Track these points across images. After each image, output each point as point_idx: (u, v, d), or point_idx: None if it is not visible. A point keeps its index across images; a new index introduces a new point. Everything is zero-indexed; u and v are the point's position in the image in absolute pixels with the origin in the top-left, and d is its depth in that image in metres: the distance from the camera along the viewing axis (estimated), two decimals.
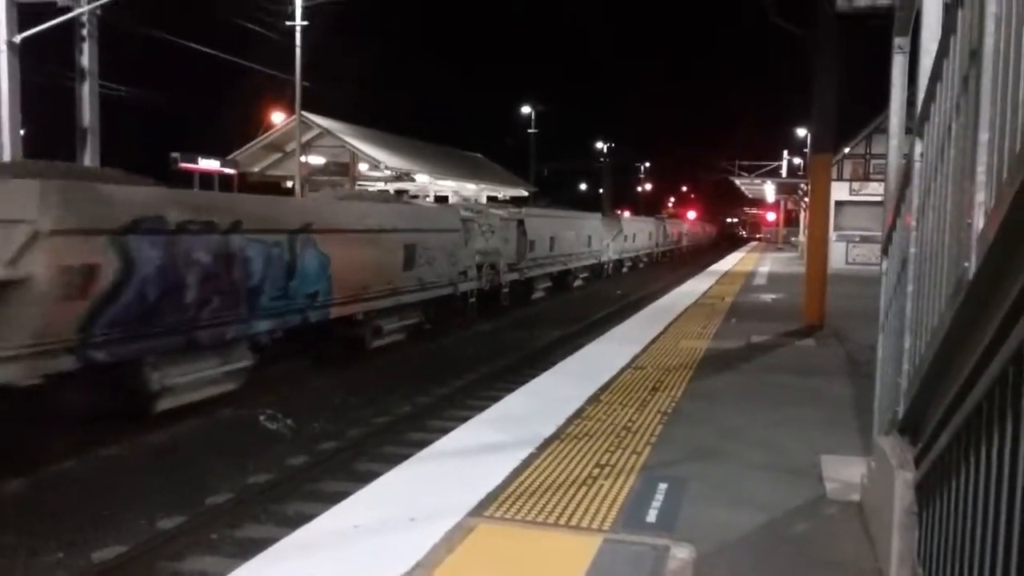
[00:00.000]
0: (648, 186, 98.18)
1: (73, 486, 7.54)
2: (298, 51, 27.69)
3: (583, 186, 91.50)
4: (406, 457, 5.63)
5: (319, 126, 31.90)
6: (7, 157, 13.30)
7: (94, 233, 7.96)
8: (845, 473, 5.13)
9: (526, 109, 63.18)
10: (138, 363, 8.70)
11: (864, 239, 26.80)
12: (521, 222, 22.13)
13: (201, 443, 8.95)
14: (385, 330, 14.03)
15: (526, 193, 47.29)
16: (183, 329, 9.19)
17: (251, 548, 5.44)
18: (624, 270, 38.47)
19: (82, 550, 6.28)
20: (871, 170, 27.34)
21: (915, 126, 3.52)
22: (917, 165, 3.53)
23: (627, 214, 54.20)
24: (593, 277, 31.75)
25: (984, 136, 2.29)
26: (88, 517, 6.88)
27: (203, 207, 9.76)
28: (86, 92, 13.29)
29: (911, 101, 3.98)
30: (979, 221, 2.31)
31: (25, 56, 13.95)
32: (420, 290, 15.08)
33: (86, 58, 13.25)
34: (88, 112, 13.30)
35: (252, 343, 10.56)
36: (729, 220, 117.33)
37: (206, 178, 27.05)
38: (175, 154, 26.28)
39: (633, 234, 41.38)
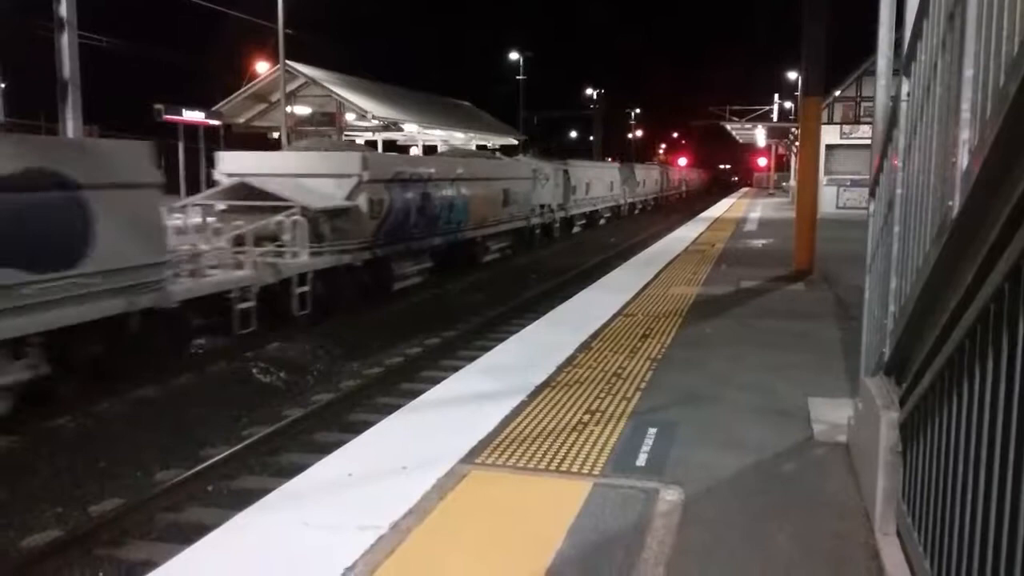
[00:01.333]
0: (639, 133, 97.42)
1: (68, 441, 7.57)
2: None
3: (573, 134, 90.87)
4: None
5: (304, 75, 31.44)
6: None
7: (382, 181, 14.41)
8: (832, 415, 5.18)
9: (514, 56, 62.31)
10: (388, 259, 14.85)
11: (855, 183, 26.72)
12: (567, 172, 28.37)
13: (196, 396, 8.99)
14: (491, 249, 20.71)
15: (516, 142, 46.84)
16: (408, 240, 15.59)
17: (247, 498, 5.49)
18: (636, 212, 44.15)
19: (80, 504, 6.34)
20: (862, 113, 27.16)
21: (902, 65, 3.48)
22: (904, 105, 3.50)
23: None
24: (613, 216, 37.91)
25: (969, 72, 2.27)
26: (85, 471, 6.93)
27: (415, 162, 17.82)
28: (65, 43, 12.99)
29: (900, 42, 3.93)
30: (963, 159, 2.29)
31: (6, 7, 13.66)
32: (511, 222, 21.95)
33: (64, 8, 12.94)
34: (67, 64, 13.03)
35: (432, 252, 16.91)
36: (722, 167, 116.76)
37: (190, 129, 26.74)
38: (159, 106, 25.95)
39: (643, 180, 47.19)
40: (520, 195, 22.50)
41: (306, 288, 11.92)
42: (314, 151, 15.34)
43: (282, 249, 12.00)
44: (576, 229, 30.82)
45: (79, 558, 5.54)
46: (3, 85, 14.37)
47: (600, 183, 34.90)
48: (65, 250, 8.00)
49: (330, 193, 13.50)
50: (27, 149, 7.92)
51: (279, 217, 12.10)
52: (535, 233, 24.91)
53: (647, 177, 48.94)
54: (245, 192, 12.79)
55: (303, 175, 13.64)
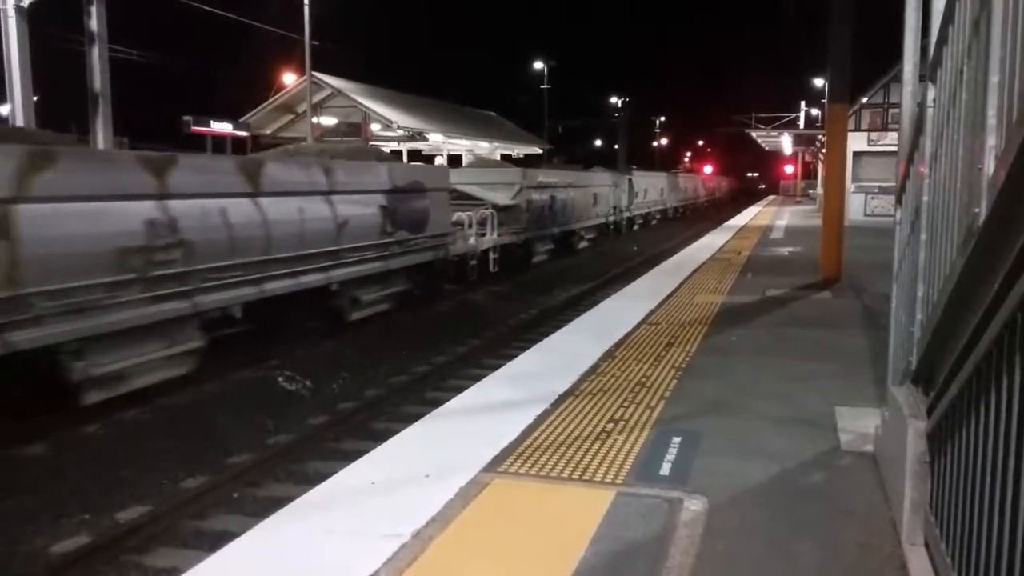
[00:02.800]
0: (664, 141, 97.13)
1: (95, 448, 7.66)
2: (307, 10, 27.44)
3: (598, 142, 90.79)
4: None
5: (330, 86, 31.71)
6: (19, 122, 13.30)
7: (533, 188, 21.19)
8: (859, 424, 5.13)
9: (539, 65, 62.44)
10: (529, 242, 21.28)
11: (883, 190, 26.47)
12: (631, 180, 35.62)
13: (222, 403, 9.06)
14: (585, 239, 27.59)
15: (540, 151, 46.91)
16: (542, 228, 22.31)
17: (271, 506, 5.52)
18: (677, 215, 49.74)
19: (107, 511, 6.41)
20: (889, 120, 26.92)
21: (927, 71, 3.45)
22: (930, 111, 3.47)
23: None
24: (662, 217, 44.46)
25: (995, 78, 2.25)
26: (111, 479, 7.00)
27: (547, 174, 23.52)
28: (95, 56, 13.23)
29: (926, 49, 3.90)
30: (989, 166, 2.27)
31: (35, 21, 13.91)
32: (597, 219, 29.22)
33: (94, 22, 13.17)
34: (98, 77, 13.26)
35: (552, 239, 23.54)
36: (750, 175, 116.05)
37: (218, 141, 27.03)
38: (187, 117, 26.24)
39: (685, 187, 54.33)
40: (603, 198, 29.97)
41: (496, 256, 18.68)
42: (489, 168, 23.58)
43: (482, 231, 18.51)
44: (635, 227, 37.25)
45: (106, 564, 5.59)
46: (36, 98, 14.59)
47: (653, 189, 42.10)
48: (420, 223, 14.77)
49: (503, 196, 20.67)
50: (410, 170, 15.46)
51: (482, 211, 18.76)
52: (611, 229, 31.67)
53: (687, 185, 56.81)
54: (457, 195, 18.98)
55: (486, 183, 21.00)
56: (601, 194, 29.64)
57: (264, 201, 10.49)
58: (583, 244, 27.29)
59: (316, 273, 11.48)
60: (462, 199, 19.18)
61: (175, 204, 8.94)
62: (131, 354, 8.40)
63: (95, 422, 8.17)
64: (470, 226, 17.91)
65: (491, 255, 18.44)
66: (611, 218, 31.38)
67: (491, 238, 18.52)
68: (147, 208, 8.59)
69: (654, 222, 41.48)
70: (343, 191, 12.30)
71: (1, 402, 7.47)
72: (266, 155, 14.37)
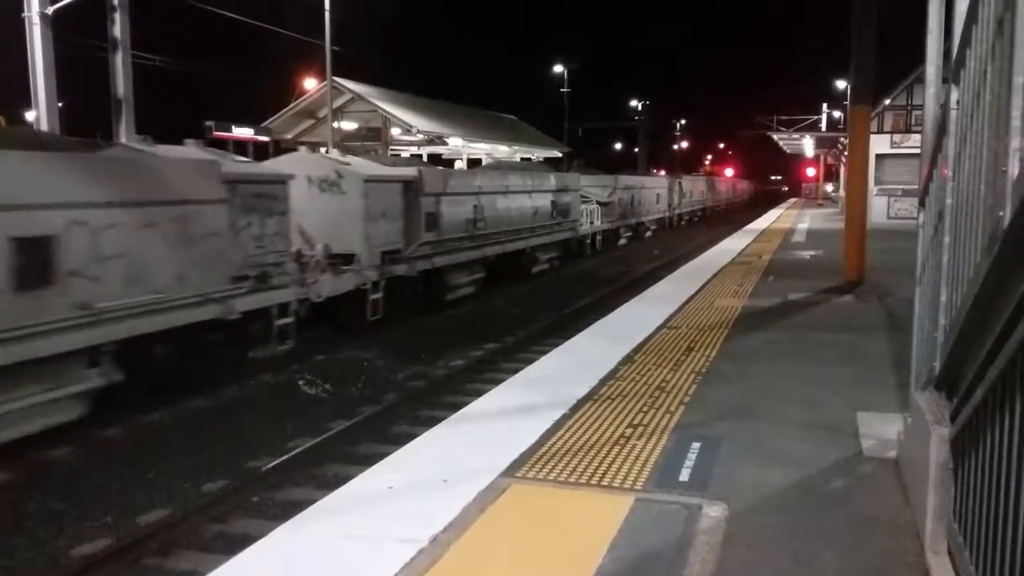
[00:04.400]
0: (684, 144, 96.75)
1: (119, 452, 7.72)
2: (327, 15, 27.57)
3: (618, 145, 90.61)
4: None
5: (350, 91, 31.82)
6: (44, 127, 13.47)
7: (621, 189, 31.01)
8: (882, 430, 5.07)
9: (559, 68, 62.40)
10: (617, 229, 31.08)
11: (906, 193, 26.19)
12: (680, 183, 44.22)
13: (243, 407, 9.11)
14: (649, 229, 35.68)
15: (560, 154, 46.84)
16: (625, 219, 31.64)
17: (290, 510, 5.54)
18: (711, 214, 56.15)
19: (129, 513, 6.45)
20: (913, 122, 26.65)
21: (951, 73, 3.40)
22: (953, 113, 3.42)
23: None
24: (703, 215, 51.91)
25: (1019, 79, 2.21)
26: (134, 481, 7.05)
27: (631, 179, 34.26)
28: (119, 63, 13.39)
29: (949, 51, 3.85)
30: (1014, 168, 2.23)
31: (60, 28, 14.08)
32: (659, 214, 37.80)
33: (118, 29, 13.33)
34: (122, 82, 13.42)
35: (630, 228, 32.56)
36: (772, 178, 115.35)
37: (240, 146, 27.20)
38: (209, 122, 26.43)
39: (721, 189, 64.50)
40: (662, 197, 38.41)
41: (600, 238, 27.82)
42: (595, 175, 30.55)
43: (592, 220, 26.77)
44: (683, 223, 44.29)
45: (128, 567, 5.63)
46: (60, 104, 14.76)
47: (696, 191, 50.19)
48: (567, 212, 22.82)
49: (602, 194, 28.44)
50: (563, 177, 23.79)
51: (592, 205, 26.90)
52: (667, 221, 39.93)
53: (720, 187, 64.96)
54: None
55: (594, 186, 28.50)
56: (661, 194, 38.50)
57: (508, 196, 18.76)
58: (648, 233, 35.60)
59: (523, 241, 19.66)
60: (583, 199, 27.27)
61: (481, 198, 17.13)
62: (459, 275, 16.16)
63: (118, 424, 8.25)
64: (586, 216, 26.19)
65: (597, 237, 27.64)
66: (667, 213, 39.78)
67: (597, 225, 27.63)
68: (472, 200, 16.68)
69: (695, 219, 48.92)
70: (535, 190, 20.60)
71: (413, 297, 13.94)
72: (500, 164, 26.03)
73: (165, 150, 9.73)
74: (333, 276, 11.57)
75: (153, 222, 8.33)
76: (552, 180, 21.95)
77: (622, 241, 31.16)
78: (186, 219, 8.75)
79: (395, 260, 13.37)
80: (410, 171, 14.46)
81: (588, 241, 26.04)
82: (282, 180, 10.72)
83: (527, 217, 19.69)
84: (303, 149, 16.33)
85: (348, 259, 12.31)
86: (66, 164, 7.72)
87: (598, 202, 27.44)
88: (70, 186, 7.55)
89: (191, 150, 10.41)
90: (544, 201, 20.94)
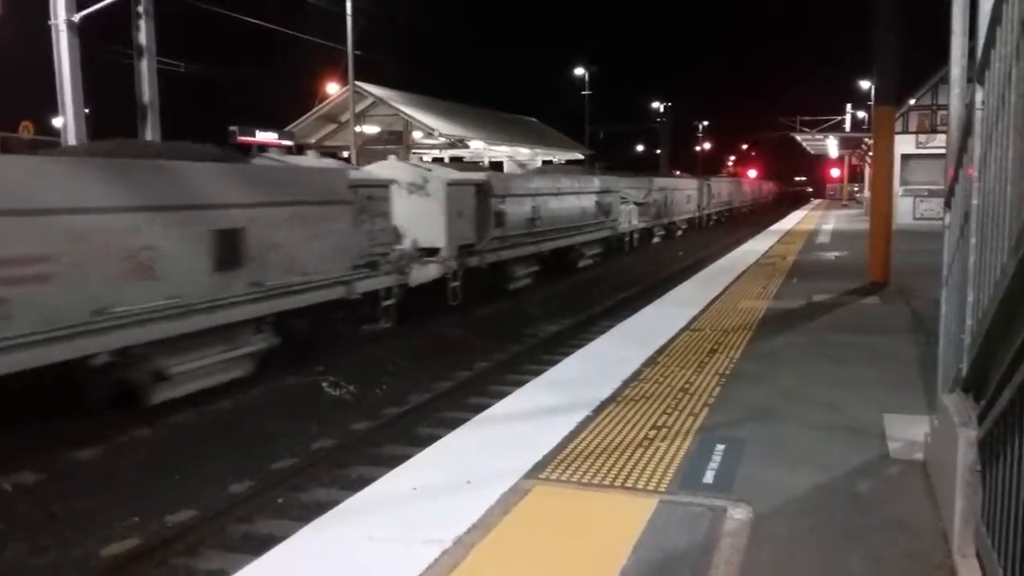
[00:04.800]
0: (707, 145, 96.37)
1: (144, 452, 7.80)
2: (349, 20, 27.75)
3: (640, 147, 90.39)
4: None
5: (372, 95, 32.00)
6: (71, 134, 13.65)
7: (656, 190, 31.59)
8: (908, 432, 5.03)
9: (580, 71, 62.37)
10: (652, 228, 31.79)
11: (932, 193, 25.95)
12: (709, 184, 45.15)
13: (269, 409, 9.18)
14: (680, 229, 36.64)
15: (581, 156, 46.83)
16: (659, 219, 32.56)
17: (315, 511, 5.57)
18: (736, 214, 56.63)
19: (156, 514, 6.52)
20: (938, 122, 26.39)
21: (975, 74, 3.38)
22: (978, 114, 3.40)
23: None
24: (729, 215, 52.18)
25: None
26: (161, 482, 7.12)
27: (667, 181, 37.01)
28: (144, 69, 13.56)
29: (973, 51, 3.82)
30: None
31: (86, 35, 14.26)
32: (689, 214, 38.86)
33: (143, 35, 13.50)
34: (147, 88, 13.58)
35: (663, 227, 33.81)
36: (797, 179, 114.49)
37: (262, 150, 27.38)
38: (233, 127, 26.63)
39: (747, 190, 65.21)
40: (692, 198, 39.70)
41: (637, 236, 29.29)
42: (632, 177, 31.28)
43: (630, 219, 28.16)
44: (711, 222, 45.28)
45: (155, 567, 5.69)
46: (87, 110, 14.95)
47: (724, 191, 51.43)
48: (608, 212, 24.16)
49: (639, 195, 29.55)
50: (606, 179, 25.08)
51: (630, 206, 28.35)
52: (696, 221, 41.07)
53: (745, 188, 66.36)
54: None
55: (631, 188, 29.18)
56: (692, 195, 39.58)
57: (560, 197, 19.96)
58: (679, 232, 36.65)
59: (571, 238, 20.78)
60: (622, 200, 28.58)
61: (537, 199, 18.34)
62: (520, 268, 17.68)
63: (145, 425, 8.34)
64: (625, 216, 27.52)
65: (634, 235, 29.14)
66: (696, 213, 40.81)
67: (635, 223, 29.06)
68: (531, 200, 17.90)
69: (722, 219, 49.03)
70: (582, 192, 21.80)
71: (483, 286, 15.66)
72: (555, 168, 31.48)
73: (295, 160, 11.60)
74: (421, 266, 13.37)
75: (301, 218, 10.12)
76: (596, 182, 23.66)
77: (656, 240, 32.53)
78: (323, 217, 10.60)
79: (470, 253, 15.09)
80: (481, 175, 16.36)
81: (626, 239, 27.71)
82: (386, 184, 12.49)
83: (575, 216, 21.09)
84: (392, 158, 18.25)
85: (432, 252, 14.01)
86: (239, 172, 9.63)
87: (635, 203, 28.81)
88: (245, 189, 9.35)
89: (320, 159, 12.58)
90: (589, 202, 22.42)
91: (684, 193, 37.78)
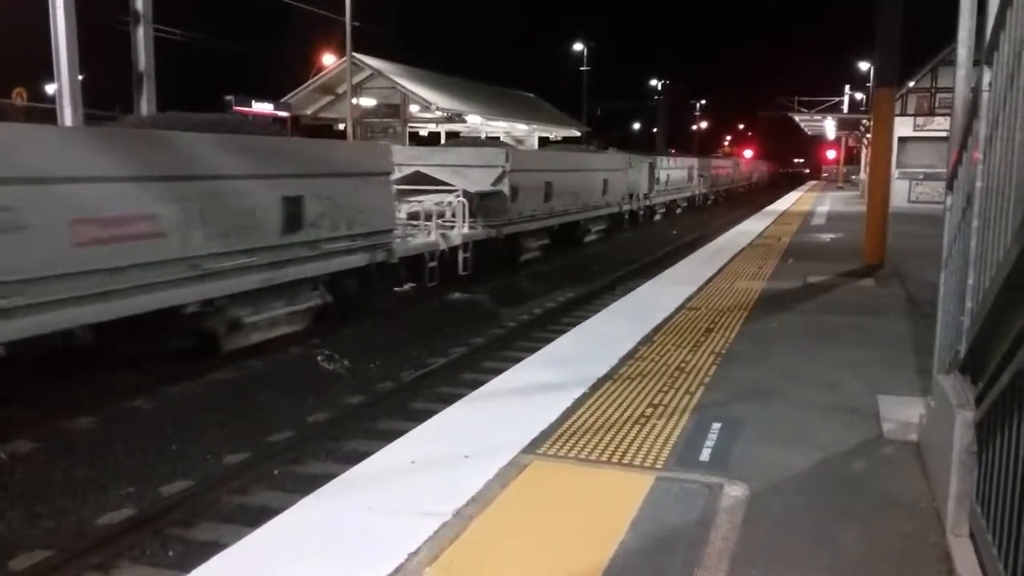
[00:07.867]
0: (704, 124, 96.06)
1: (142, 423, 7.81)
2: None
3: (637, 125, 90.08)
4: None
5: (370, 67, 31.78)
6: (67, 101, 13.46)
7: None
8: (903, 413, 5.07)
9: (578, 47, 62.01)
10: (655, 206, 33.15)
11: (928, 176, 25.99)
12: (709, 164, 46.60)
13: (265, 381, 9.18)
14: (680, 207, 37.73)
15: (579, 133, 46.69)
16: (663, 197, 35.02)
17: (312, 484, 5.60)
18: (736, 191, 59.15)
19: (151, 484, 6.53)
20: (937, 104, 26.37)
21: (984, 55, 3.37)
22: (985, 96, 3.39)
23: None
24: (727, 194, 53.48)
25: None
26: (156, 453, 7.14)
27: (670, 160, 37.37)
28: (140, 36, 13.39)
29: (980, 32, 3.81)
30: None
31: (81, 1, 14.06)
32: (688, 193, 38.64)
33: (139, 2, 13.32)
34: (143, 56, 13.41)
35: (664, 205, 35.07)
36: (795, 160, 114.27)
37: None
38: (229, 97, 26.50)
39: (741, 170, 65.91)
40: (692, 178, 40.37)
41: (641, 213, 29.90)
42: (636, 156, 30.42)
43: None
44: (709, 202, 46.14)
45: (151, 536, 5.71)
46: (81, 77, 14.76)
47: (721, 172, 52.84)
48: (620, 189, 25.90)
49: (686, 184, 36.67)
50: (610, 159, 25.94)
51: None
52: (696, 200, 42.20)
53: (744, 168, 68.73)
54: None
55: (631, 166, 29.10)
56: (691, 174, 40.12)
57: (569, 173, 20.85)
58: (678, 210, 37.95)
59: (579, 213, 21.58)
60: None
61: (550, 174, 19.27)
62: (532, 241, 18.67)
63: (142, 395, 8.35)
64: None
65: (637, 213, 29.30)
66: (696, 192, 41.52)
67: (639, 203, 29.66)
68: (544, 176, 18.97)
69: (720, 199, 49.97)
70: (589, 169, 23.00)
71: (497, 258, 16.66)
72: (562, 146, 31.29)
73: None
74: (446, 235, 14.32)
75: (352, 187, 11.23)
76: (602, 160, 24.83)
77: (657, 217, 33.52)
78: (369, 186, 11.82)
79: (489, 225, 16.24)
80: (501, 150, 17.70)
81: (627, 216, 28.24)
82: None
83: (583, 192, 22.10)
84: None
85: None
86: (295, 146, 11.47)
87: (639, 184, 29.88)
88: (303, 161, 10.55)
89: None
90: (596, 179, 23.48)
91: (684, 172, 38.81)
